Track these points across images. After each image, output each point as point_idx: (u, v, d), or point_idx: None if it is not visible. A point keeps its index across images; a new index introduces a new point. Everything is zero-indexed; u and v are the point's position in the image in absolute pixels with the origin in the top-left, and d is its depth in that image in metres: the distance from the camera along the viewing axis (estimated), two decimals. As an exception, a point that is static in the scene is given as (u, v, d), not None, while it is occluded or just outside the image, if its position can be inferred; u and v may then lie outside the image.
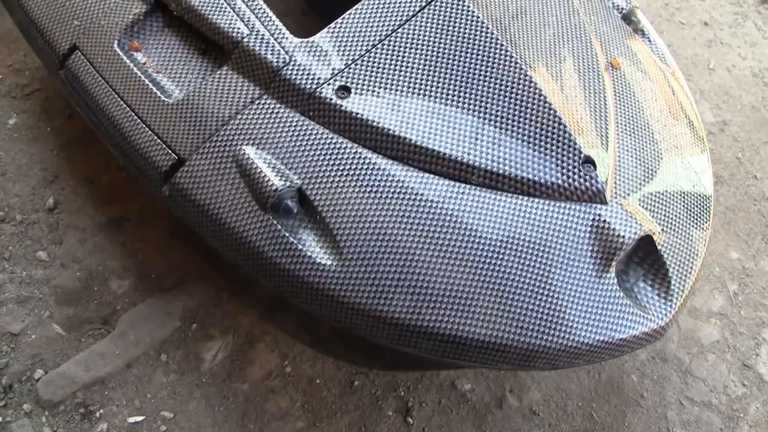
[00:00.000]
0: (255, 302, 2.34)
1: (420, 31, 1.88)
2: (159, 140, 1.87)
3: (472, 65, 1.84)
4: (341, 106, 1.77)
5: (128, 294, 2.50)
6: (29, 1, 2.16)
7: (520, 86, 1.81)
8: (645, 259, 1.81)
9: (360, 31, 1.88)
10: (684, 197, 1.95)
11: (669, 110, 2.11)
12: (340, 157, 1.74)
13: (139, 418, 2.29)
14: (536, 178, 1.74)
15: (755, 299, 2.76)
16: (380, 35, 1.87)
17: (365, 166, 1.73)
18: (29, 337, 2.39)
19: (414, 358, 1.94)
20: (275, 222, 1.70)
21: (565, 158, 1.75)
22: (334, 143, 1.76)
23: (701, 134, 2.15)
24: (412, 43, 1.86)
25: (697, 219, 1.94)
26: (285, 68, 1.82)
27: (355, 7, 1.92)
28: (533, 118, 1.79)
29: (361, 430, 2.32)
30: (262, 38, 1.87)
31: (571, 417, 2.42)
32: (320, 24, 1.95)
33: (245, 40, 1.87)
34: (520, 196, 1.74)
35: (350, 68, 1.83)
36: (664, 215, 1.87)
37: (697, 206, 1.96)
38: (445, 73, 1.84)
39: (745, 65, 3.55)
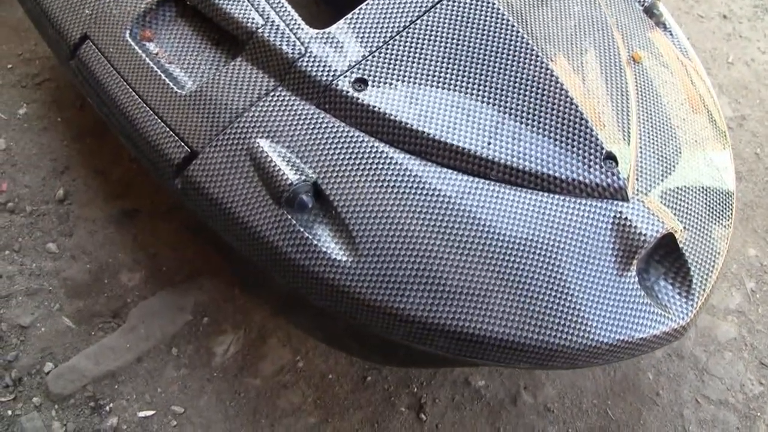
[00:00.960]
0: (268, 297, 2.32)
1: (438, 22, 1.84)
2: (171, 132, 1.84)
3: (492, 57, 1.81)
4: (358, 98, 1.74)
5: (139, 287, 2.47)
6: (40, -10, 2.13)
7: (541, 79, 1.78)
8: (666, 258, 1.78)
9: (378, 23, 1.84)
10: (706, 193, 1.91)
11: (690, 105, 2.07)
12: (356, 151, 1.71)
13: (150, 413, 2.27)
14: (557, 174, 1.71)
15: (773, 297, 2.73)
16: (398, 27, 1.83)
17: (382, 161, 1.70)
18: (39, 330, 2.37)
19: (429, 356, 1.92)
20: (290, 217, 1.67)
21: (586, 154, 1.72)
22: (351, 137, 1.73)
23: (723, 129, 2.12)
24: (430, 35, 1.83)
25: (718, 216, 1.91)
26: (300, 60, 1.79)
27: None
28: (554, 112, 1.75)
29: (374, 427, 2.30)
30: (278, 29, 1.83)
31: (586, 414, 2.39)
32: (334, 15, 1.91)
33: (260, 30, 1.83)
34: (540, 193, 1.71)
35: (367, 60, 1.79)
36: (686, 211, 1.83)
37: (718, 202, 1.92)
38: (464, 66, 1.80)
39: (765, 59, 3.50)
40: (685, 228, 1.79)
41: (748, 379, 2.53)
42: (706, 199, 1.90)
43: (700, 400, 2.47)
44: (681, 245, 1.76)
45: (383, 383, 2.37)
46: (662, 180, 1.83)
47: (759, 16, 3.69)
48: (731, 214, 1.95)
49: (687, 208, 1.84)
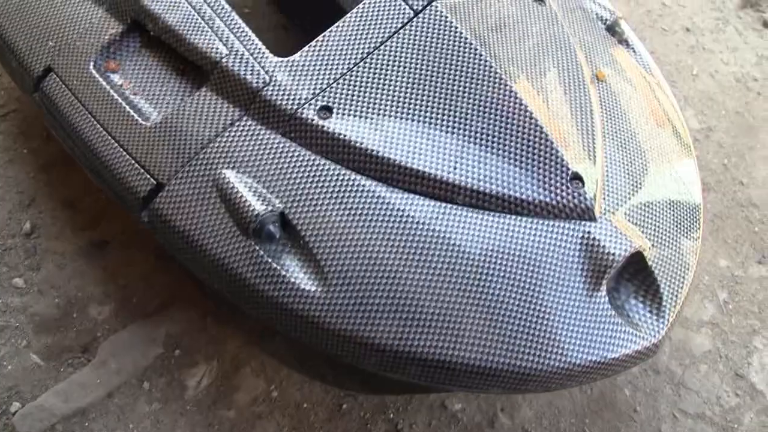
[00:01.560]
0: (241, 327, 2.29)
1: (402, 48, 1.84)
2: (137, 165, 1.82)
3: (456, 80, 1.81)
4: (323, 126, 1.73)
5: (109, 320, 2.44)
6: (3, 22, 2.10)
7: (505, 101, 1.78)
8: (635, 276, 1.79)
9: (341, 50, 1.84)
10: (673, 207, 1.92)
11: (655, 120, 2.08)
12: (322, 179, 1.70)
13: (122, 449, 2.24)
14: (523, 197, 1.71)
15: (745, 307, 2.74)
16: (362, 53, 1.83)
17: (349, 188, 1.69)
18: (5, 368, 2.33)
19: (404, 382, 1.90)
20: (257, 248, 1.66)
21: (552, 175, 1.72)
22: (317, 165, 1.72)
23: (688, 143, 2.13)
24: (394, 61, 1.82)
25: (687, 229, 1.92)
26: (265, 88, 1.78)
27: (336, 24, 1.88)
28: (518, 133, 1.75)
29: (351, 454, 2.28)
30: (242, 58, 1.82)
31: (564, 434, 2.39)
32: (302, 40, 1.91)
33: (224, 60, 1.82)
34: (508, 215, 1.71)
35: (332, 88, 1.78)
36: (654, 227, 1.84)
37: (686, 216, 1.94)
38: (429, 90, 1.80)
39: (728, 70, 3.53)
40: (653, 245, 1.80)
41: (724, 391, 2.54)
42: (673, 213, 1.91)
43: (678, 415, 2.47)
44: (650, 263, 1.77)
45: (359, 410, 2.34)
46: (630, 197, 1.84)
47: (721, 28, 3.73)
48: (699, 226, 1.96)
49: (655, 223, 1.85)
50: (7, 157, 2.77)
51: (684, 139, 2.13)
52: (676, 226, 1.90)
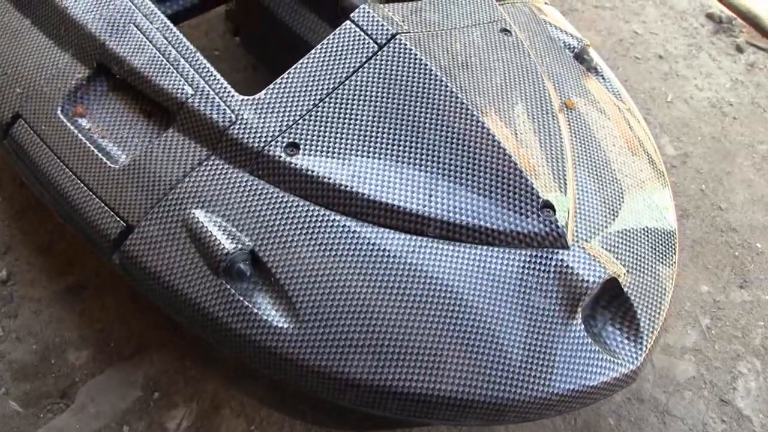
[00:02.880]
0: (218, 367, 2.27)
1: (368, 82, 1.84)
2: (107, 207, 1.81)
3: (423, 113, 1.81)
4: (290, 163, 1.73)
5: (87, 365, 2.41)
6: (-30, 70, 2.11)
7: (473, 133, 1.78)
8: (611, 303, 1.78)
9: (306, 86, 1.84)
10: (648, 234, 1.92)
11: (628, 147, 2.09)
12: (291, 215, 1.69)
13: (102, 496, 2.20)
14: (494, 227, 1.70)
15: (728, 332, 2.73)
16: (328, 88, 1.83)
17: (318, 224, 1.68)
18: (-17, 417, 2.30)
19: (383, 418, 1.88)
20: (228, 286, 1.65)
21: (522, 204, 1.72)
22: (285, 202, 1.71)
23: (661, 169, 2.14)
24: (359, 95, 1.83)
25: (662, 256, 1.91)
26: (231, 127, 1.78)
27: (300, 61, 1.88)
28: (488, 164, 1.75)
29: (335, 493, 2.25)
30: (207, 97, 1.82)
31: (550, 465, 2.37)
32: (272, 78, 1.91)
33: (190, 100, 1.82)
34: (479, 246, 1.70)
35: (298, 124, 1.78)
36: (629, 254, 1.83)
37: (661, 242, 1.93)
38: (396, 123, 1.80)
39: (703, 96, 3.56)
40: (629, 271, 1.79)
41: (710, 417, 2.52)
42: (649, 240, 1.91)
43: (663, 442, 2.46)
44: (626, 289, 1.76)
45: (341, 447, 2.32)
46: (605, 225, 1.84)
47: (694, 55, 3.76)
48: (675, 252, 1.96)
49: (631, 250, 1.85)
50: (-19, 206, 2.76)
51: (657, 165, 2.13)
52: (652, 252, 1.89)
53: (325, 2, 2.54)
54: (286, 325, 1.62)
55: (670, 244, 1.96)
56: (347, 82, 1.84)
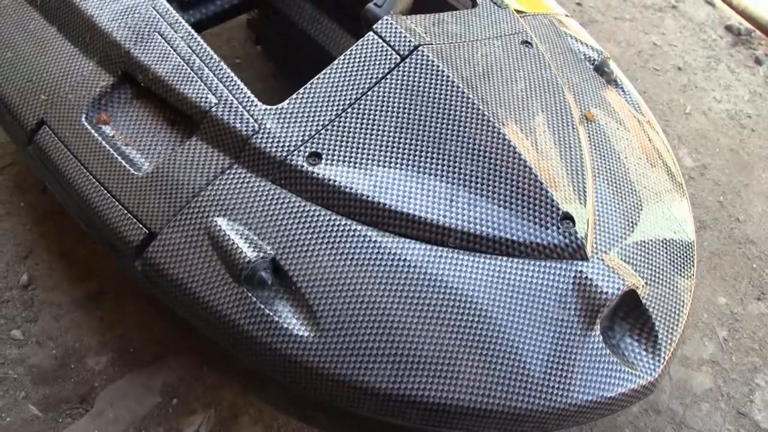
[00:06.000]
0: (237, 375, 2.28)
1: (390, 92, 1.86)
2: (129, 214, 1.83)
3: (444, 124, 1.82)
4: (313, 173, 1.74)
5: (106, 370, 2.43)
6: (-4, 77, 2.13)
7: (494, 144, 1.79)
8: (630, 314, 1.78)
9: (329, 96, 1.85)
10: (666, 246, 1.92)
11: (647, 159, 2.09)
12: (313, 225, 1.71)
13: (121, 501, 2.22)
14: (514, 238, 1.71)
15: (746, 344, 2.72)
16: (350, 99, 1.85)
17: (339, 234, 1.70)
18: (4, 420, 2.31)
19: (401, 427, 1.89)
20: (250, 294, 1.66)
21: (542, 216, 1.73)
22: (307, 211, 1.72)
23: (680, 181, 2.14)
24: (382, 106, 1.84)
25: (681, 267, 1.91)
26: (254, 136, 1.80)
27: (324, 71, 1.90)
28: (508, 176, 1.76)
29: (351, 501, 2.25)
30: (231, 106, 1.84)
31: (566, 476, 2.36)
32: (292, 87, 1.92)
33: (213, 109, 1.84)
34: (499, 257, 1.71)
35: (320, 134, 1.80)
36: (648, 266, 1.84)
37: (680, 254, 1.94)
38: (417, 134, 1.81)
39: (721, 108, 3.56)
40: (647, 282, 1.80)
41: (726, 429, 2.51)
42: (667, 251, 1.91)
43: (680, 454, 2.45)
44: (644, 301, 1.76)
45: (358, 455, 2.33)
46: (624, 236, 1.84)
47: (713, 67, 3.76)
48: (693, 264, 1.96)
49: (649, 262, 1.85)
50: (4, 210, 2.78)
51: (676, 177, 2.13)
52: (671, 264, 1.90)
53: (346, 12, 2.56)
54: (306, 334, 1.63)
55: (688, 256, 1.96)
56: (369, 92, 1.86)
